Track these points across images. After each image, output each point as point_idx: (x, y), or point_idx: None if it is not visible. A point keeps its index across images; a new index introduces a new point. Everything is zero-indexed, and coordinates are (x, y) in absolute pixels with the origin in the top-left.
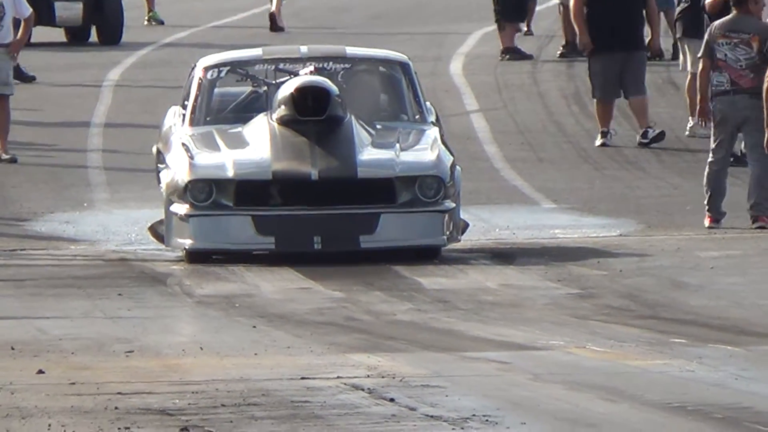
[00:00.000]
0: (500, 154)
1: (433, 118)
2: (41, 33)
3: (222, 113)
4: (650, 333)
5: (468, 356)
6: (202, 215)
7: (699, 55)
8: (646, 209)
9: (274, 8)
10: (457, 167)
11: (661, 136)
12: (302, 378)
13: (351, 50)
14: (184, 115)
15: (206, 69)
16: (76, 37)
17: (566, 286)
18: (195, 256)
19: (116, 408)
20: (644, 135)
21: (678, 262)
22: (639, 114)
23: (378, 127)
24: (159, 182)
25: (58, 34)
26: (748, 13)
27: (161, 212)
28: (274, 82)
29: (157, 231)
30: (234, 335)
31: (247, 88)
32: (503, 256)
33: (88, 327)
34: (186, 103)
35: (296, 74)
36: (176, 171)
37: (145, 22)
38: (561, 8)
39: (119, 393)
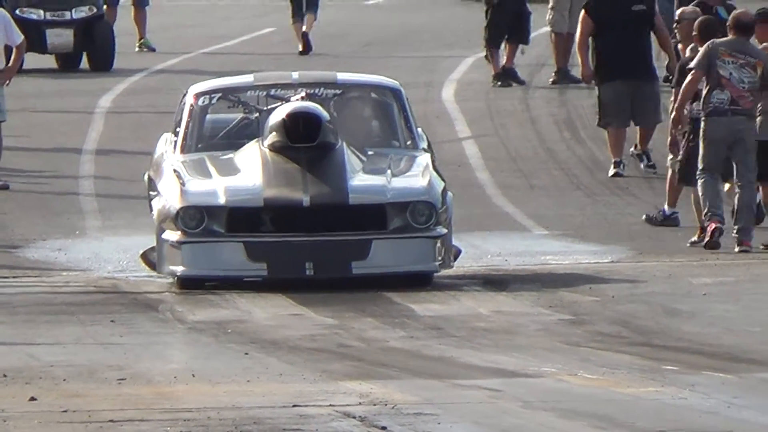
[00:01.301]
0: (492, 181)
1: (424, 145)
2: (33, 60)
3: (213, 140)
4: (642, 360)
5: (460, 383)
6: (193, 242)
7: (693, 65)
8: (637, 235)
9: (305, 27)
10: (449, 193)
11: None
12: (294, 405)
13: (342, 76)
14: (175, 142)
15: (197, 96)
16: (68, 64)
17: (558, 312)
18: (187, 283)
19: None
20: (640, 157)
21: (670, 288)
22: (643, 138)
23: (369, 153)
24: (151, 209)
25: (49, 61)
26: (749, 39)
27: (153, 239)
28: (265, 108)
29: (149, 258)
30: (226, 362)
31: (238, 115)
32: (495, 282)
33: (81, 354)
34: (177, 129)
35: (287, 100)
36: (168, 198)
37: (137, 49)
38: (553, 36)
39: (111, 420)
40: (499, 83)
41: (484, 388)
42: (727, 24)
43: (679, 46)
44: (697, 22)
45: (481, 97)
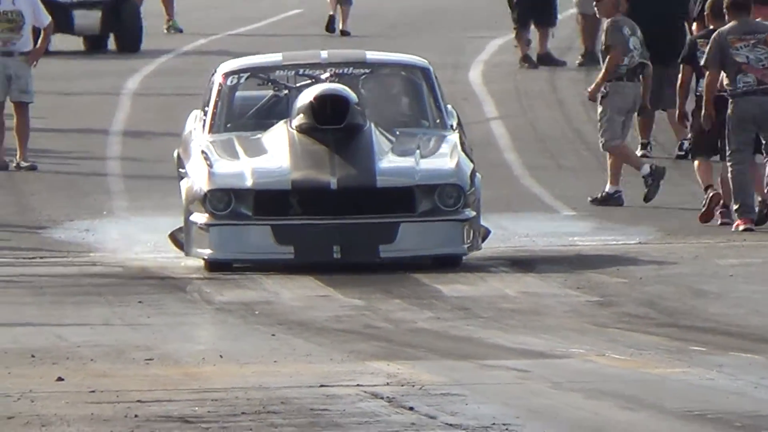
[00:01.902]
0: (519, 162)
1: (454, 123)
2: (60, 41)
3: (242, 119)
4: (670, 341)
5: (488, 364)
6: (221, 225)
7: (706, 63)
8: (664, 217)
9: (332, 12)
10: (477, 174)
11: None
12: (321, 386)
13: (371, 55)
14: (204, 121)
15: (226, 75)
16: (95, 46)
17: (586, 293)
18: (215, 266)
19: (136, 416)
20: (680, 147)
21: (697, 269)
22: (676, 126)
23: (398, 133)
24: (180, 187)
25: (76, 43)
26: (749, 16)
27: (181, 219)
28: (295, 86)
29: (177, 238)
30: (253, 343)
31: (267, 92)
32: (523, 263)
33: (108, 334)
34: (206, 108)
35: (317, 79)
36: (195, 180)
37: (164, 31)
38: (579, 17)
39: (139, 401)
40: (526, 65)
41: (512, 369)
42: (724, 7)
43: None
44: (708, 2)
45: (509, 78)
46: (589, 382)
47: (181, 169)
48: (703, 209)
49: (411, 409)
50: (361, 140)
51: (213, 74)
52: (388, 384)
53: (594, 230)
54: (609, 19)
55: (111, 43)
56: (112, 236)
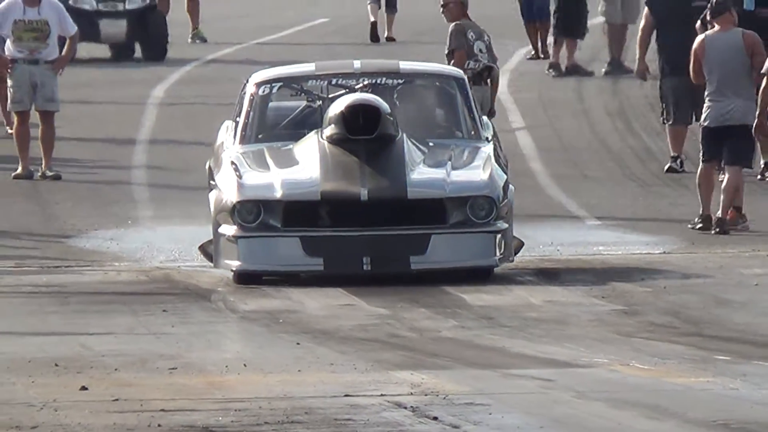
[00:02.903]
0: (545, 171)
1: (489, 134)
2: (86, 49)
3: (274, 129)
4: (694, 350)
5: (512, 374)
6: (250, 237)
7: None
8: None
9: (373, 18)
10: (511, 186)
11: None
12: (345, 395)
13: (405, 65)
14: (235, 131)
15: (258, 85)
16: (120, 54)
17: (610, 302)
18: (243, 278)
19: (159, 425)
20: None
21: (722, 279)
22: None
23: (431, 144)
24: (209, 199)
25: (102, 51)
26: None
27: (207, 230)
28: (328, 96)
29: (208, 250)
30: (277, 352)
31: (300, 103)
32: (548, 272)
33: (132, 343)
34: (237, 119)
35: (350, 89)
36: (224, 191)
37: (189, 40)
38: (606, 26)
39: (162, 410)
40: (554, 72)
41: (536, 378)
42: None
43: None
44: None
45: (535, 87)
46: (613, 392)
47: (212, 181)
48: None
49: (435, 418)
50: (393, 151)
51: (245, 84)
52: (411, 393)
53: (619, 240)
54: (453, 24)
55: (137, 52)
56: (136, 245)
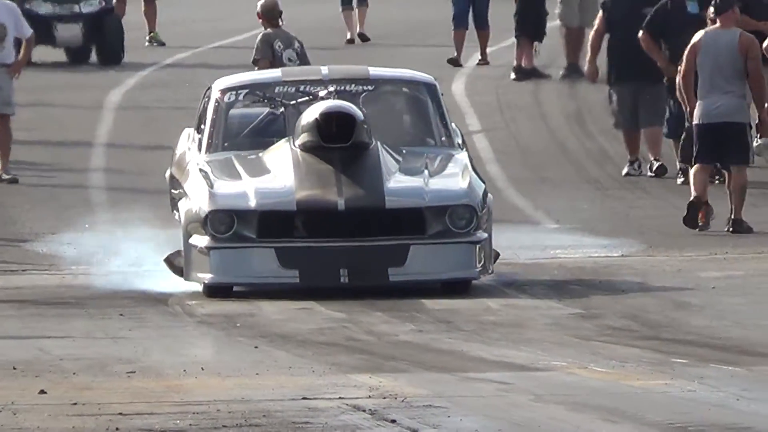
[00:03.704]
0: (502, 174)
1: (459, 141)
2: (42, 53)
3: (239, 137)
4: (652, 353)
5: (470, 377)
6: (222, 248)
7: None
8: (647, 230)
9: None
10: (489, 195)
11: (661, 169)
12: (303, 398)
13: (374, 71)
14: (200, 140)
15: (223, 91)
16: (77, 58)
17: (568, 306)
18: (215, 291)
19: (117, 429)
20: (649, 167)
21: (680, 282)
22: (649, 144)
23: (404, 152)
24: (173, 209)
25: (58, 55)
26: None
27: (163, 233)
28: (293, 102)
29: (174, 263)
30: (235, 355)
31: (263, 110)
32: (505, 276)
33: (90, 347)
34: (201, 127)
35: (316, 96)
36: (195, 200)
37: (146, 43)
38: (563, 29)
39: (121, 414)
40: (515, 76)
41: (494, 382)
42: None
43: None
44: None
45: (492, 91)
46: (571, 395)
47: (173, 191)
48: None
49: (393, 421)
50: (368, 159)
51: (208, 90)
52: (370, 396)
53: (576, 243)
54: (261, 33)
55: (93, 56)
56: (94, 249)
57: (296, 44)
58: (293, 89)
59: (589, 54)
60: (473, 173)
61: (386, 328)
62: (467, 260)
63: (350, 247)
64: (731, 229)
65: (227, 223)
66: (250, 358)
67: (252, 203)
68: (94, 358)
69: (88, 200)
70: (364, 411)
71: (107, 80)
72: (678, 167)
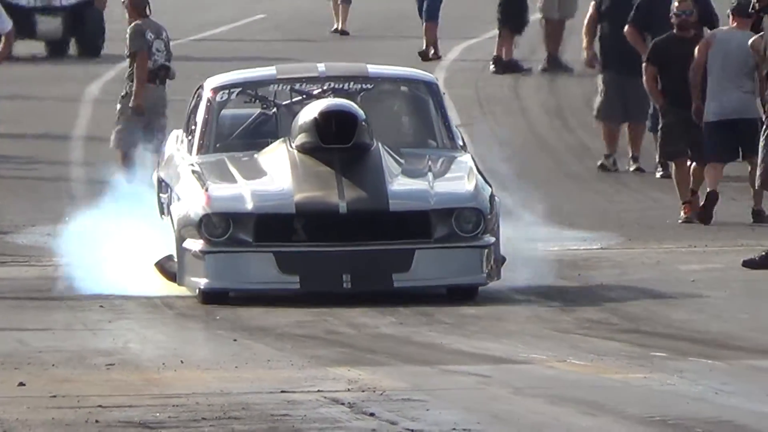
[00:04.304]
0: (481, 168)
1: (461, 143)
2: (21, 46)
3: (230, 139)
4: (631, 346)
5: (449, 370)
6: (218, 252)
7: None
8: (626, 223)
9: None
10: (496, 198)
11: (639, 171)
12: (282, 391)
13: (374, 69)
14: (190, 141)
15: (215, 90)
16: (56, 51)
17: (547, 299)
18: (210, 297)
19: (97, 421)
20: (629, 162)
21: (659, 275)
22: (631, 140)
23: (406, 154)
24: (162, 212)
25: (38, 48)
26: None
27: (142, 224)
28: (283, 103)
29: (165, 268)
30: (214, 348)
31: (254, 110)
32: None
33: (69, 339)
34: (192, 127)
35: (310, 95)
36: (189, 203)
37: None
38: (543, 22)
39: (100, 406)
40: (494, 68)
41: (474, 375)
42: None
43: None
44: None
45: (471, 84)
46: (550, 388)
47: (162, 194)
48: None
49: (372, 415)
50: (370, 160)
51: (199, 89)
52: (349, 390)
53: (556, 236)
54: (132, 24)
55: (72, 49)
56: (74, 241)
57: (164, 34)
58: (288, 87)
59: (584, 41)
60: (479, 175)
61: (366, 320)
62: (474, 265)
63: (353, 252)
64: (752, 220)
65: (223, 227)
66: (229, 351)
67: (249, 206)
68: (74, 351)
69: (68, 192)
70: (342, 404)
71: (86, 73)
72: (657, 161)
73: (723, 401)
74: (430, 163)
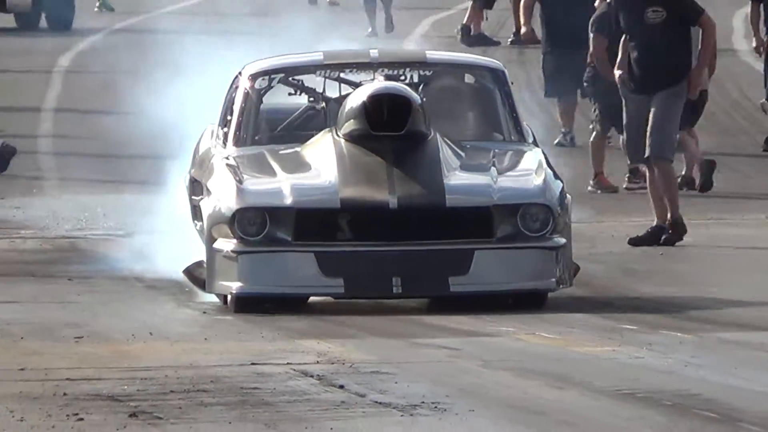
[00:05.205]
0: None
1: (531, 139)
2: None
3: (272, 132)
4: (600, 320)
5: (418, 342)
6: (253, 252)
7: None
8: (596, 196)
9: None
10: (568, 195)
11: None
12: (252, 364)
13: (432, 54)
14: (225, 133)
15: (253, 77)
16: (26, 23)
17: None
18: (244, 303)
19: (65, 394)
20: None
21: (628, 248)
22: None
23: (467, 146)
24: (194, 217)
25: (8, 20)
26: None
27: (112, 197)
28: (333, 97)
29: (195, 275)
30: (184, 321)
31: (301, 103)
32: None
33: (38, 312)
34: (228, 118)
35: (357, 84)
36: (221, 198)
37: (96, 9)
38: None
39: (68, 379)
40: (461, 37)
41: (442, 348)
42: None
43: None
44: None
45: None
46: (518, 361)
47: (194, 197)
48: None
49: (341, 387)
50: (425, 151)
51: (237, 77)
52: (318, 362)
53: None
54: None
55: (42, 21)
56: (42, 214)
57: None
58: (336, 74)
59: (522, 17)
60: (549, 170)
61: None
62: (542, 269)
63: (404, 252)
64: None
65: (259, 223)
66: (198, 323)
67: (288, 200)
68: (42, 323)
69: (37, 165)
70: (312, 377)
71: (56, 46)
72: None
73: (692, 374)
74: (494, 156)
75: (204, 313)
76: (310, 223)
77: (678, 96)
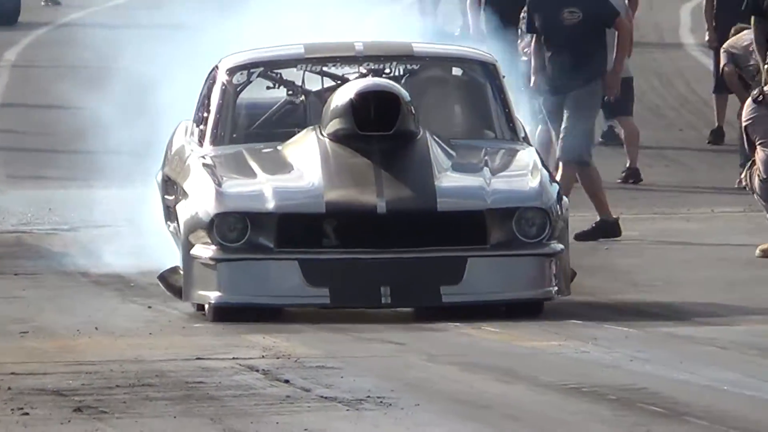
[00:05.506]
0: None
1: (523, 135)
2: None
3: (250, 129)
4: (545, 314)
5: (364, 337)
6: (233, 260)
7: None
8: None
9: None
10: (565, 198)
11: None
12: (197, 358)
13: (419, 47)
14: (202, 130)
15: (231, 71)
16: None
17: None
18: (223, 314)
19: (9, 388)
20: None
21: (574, 243)
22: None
23: (457, 145)
24: (167, 218)
25: None
26: None
27: (58, 194)
28: (313, 90)
29: (170, 282)
30: (129, 315)
31: (279, 97)
32: None
33: None
34: (204, 115)
35: (342, 79)
36: (198, 202)
37: (42, 3)
38: None
39: (13, 373)
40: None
41: (388, 342)
42: None
43: None
44: None
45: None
46: (464, 355)
47: (167, 196)
48: None
49: (286, 381)
50: (415, 151)
51: (213, 71)
52: (263, 357)
53: None
54: None
55: None
56: None
57: None
58: (318, 68)
59: (470, 16)
60: (545, 171)
61: None
62: (539, 277)
63: (393, 260)
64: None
65: (239, 229)
66: (143, 318)
67: (270, 205)
68: None
69: None
70: (257, 371)
71: (2, 40)
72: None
73: (637, 368)
74: (486, 156)
75: (149, 308)
76: (293, 228)
77: (591, 95)
